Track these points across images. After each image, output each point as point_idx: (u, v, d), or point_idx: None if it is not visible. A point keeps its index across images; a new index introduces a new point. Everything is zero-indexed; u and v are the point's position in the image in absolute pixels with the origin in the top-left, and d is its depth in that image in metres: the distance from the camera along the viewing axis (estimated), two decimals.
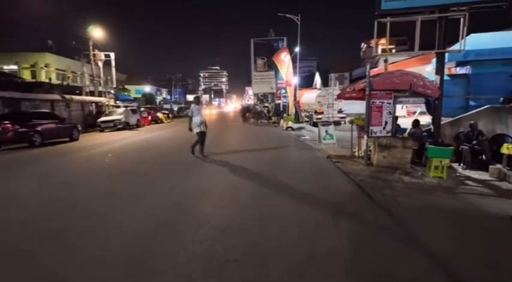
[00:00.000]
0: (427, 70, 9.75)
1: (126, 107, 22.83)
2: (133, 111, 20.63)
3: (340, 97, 8.01)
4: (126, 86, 50.83)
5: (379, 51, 73.18)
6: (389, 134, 6.76)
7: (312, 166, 7.23)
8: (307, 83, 46.79)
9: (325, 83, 48.54)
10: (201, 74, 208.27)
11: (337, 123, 20.03)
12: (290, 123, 18.12)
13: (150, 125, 23.30)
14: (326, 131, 9.91)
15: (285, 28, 40.83)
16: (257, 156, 8.45)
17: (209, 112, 49.45)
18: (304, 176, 6.17)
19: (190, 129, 8.04)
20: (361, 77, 28.78)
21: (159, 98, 57.19)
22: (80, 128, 13.88)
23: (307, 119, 21.56)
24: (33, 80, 28.34)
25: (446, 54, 6.94)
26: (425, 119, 9.72)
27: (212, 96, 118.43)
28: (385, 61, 8.19)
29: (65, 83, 26.60)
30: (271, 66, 36.03)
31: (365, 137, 6.85)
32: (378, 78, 6.77)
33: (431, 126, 7.11)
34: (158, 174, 6.68)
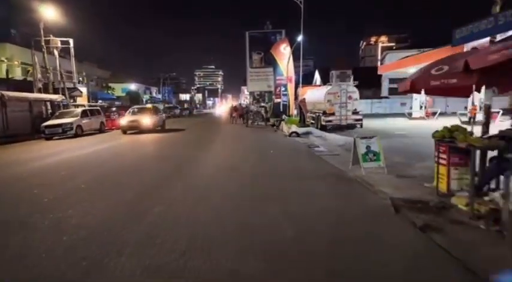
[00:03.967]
0: None
1: (92, 106, 18.58)
2: (95, 113, 16.14)
3: (417, 85, 3.92)
4: (110, 84, 46.88)
5: (379, 50, 69.45)
6: None
7: (379, 250, 3.04)
8: (304, 82, 43.09)
9: (326, 80, 44.89)
10: (196, 73, 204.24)
11: (350, 127, 16.17)
12: (294, 128, 14.06)
13: (119, 130, 18.46)
14: (368, 148, 5.84)
15: (282, 23, 36.93)
16: (242, 210, 4.36)
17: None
18: None
19: None
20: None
21: (146, 97, 53.05)
22: None
23: (313, 121, 17.57)
24: None
25: None
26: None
27: (206, 95, 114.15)
28: None
29: (20, 78, 22.29)
30: (269, 62, 32.03)
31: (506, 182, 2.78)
32: None
33: None
34: None
